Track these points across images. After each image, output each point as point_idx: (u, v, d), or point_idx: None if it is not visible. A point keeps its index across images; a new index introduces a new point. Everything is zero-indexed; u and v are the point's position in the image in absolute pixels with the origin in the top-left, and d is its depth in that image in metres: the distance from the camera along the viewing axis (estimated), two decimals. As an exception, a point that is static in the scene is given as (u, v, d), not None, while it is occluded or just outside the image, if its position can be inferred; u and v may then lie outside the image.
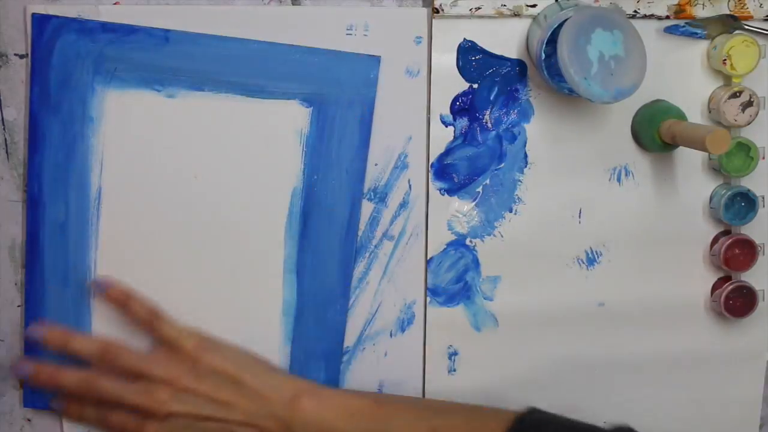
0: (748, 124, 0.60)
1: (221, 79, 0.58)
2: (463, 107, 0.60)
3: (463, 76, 0.60)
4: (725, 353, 0.65)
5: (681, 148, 0.60)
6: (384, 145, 0.60)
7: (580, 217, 0.62)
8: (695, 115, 0.61)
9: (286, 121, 0.58)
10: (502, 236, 0.62)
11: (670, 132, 0.58)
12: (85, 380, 0.57)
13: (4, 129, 0.60)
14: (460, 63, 0.60)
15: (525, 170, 0.61)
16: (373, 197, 0.61)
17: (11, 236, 0.61)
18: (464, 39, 0.59)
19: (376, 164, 0.61)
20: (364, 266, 0.62)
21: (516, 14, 0.59)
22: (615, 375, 0.65)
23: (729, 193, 0.61)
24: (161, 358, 0.58)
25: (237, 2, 0.59)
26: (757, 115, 0.59)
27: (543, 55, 0.56)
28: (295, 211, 0.61)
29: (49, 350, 0.59)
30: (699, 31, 0.60)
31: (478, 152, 0.61)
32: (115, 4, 0.58)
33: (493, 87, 0.60)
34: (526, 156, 0.61)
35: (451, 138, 0.61)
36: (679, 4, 0.59)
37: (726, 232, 0.63)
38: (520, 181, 0.61)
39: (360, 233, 0.61)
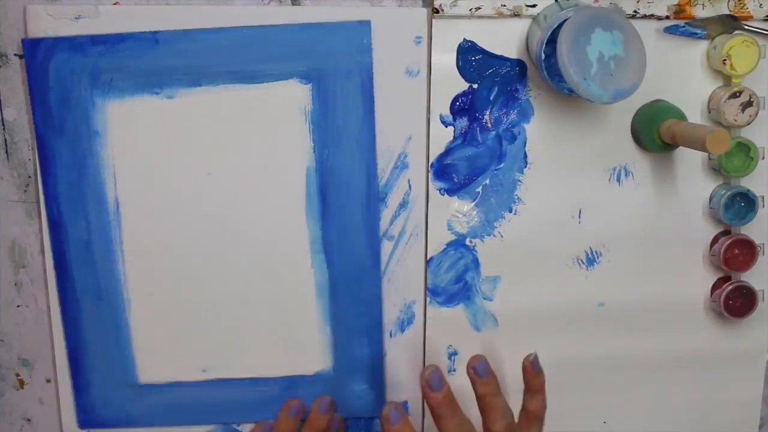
0: (748, 124, 0.60)
1: (217, 71, 0.58)
2: (463, 107, 0.60)
3: (463, 76, 0.60)
4: (725, 353, 0.65)
5: (681, 148, 0.60)
6: (384, 145, 0.60)
7: (580, 217, 0.62)
8: (695, 115, 0.61)
9: (288, 100, 0.58)
10: (502, 236, 0.62)
11: (670, 132, 0.58)
12: None
13: (4, 129, 0.60)
14: (460, 63, 0.60)
15: (525, 170, 0.61)
16: (373, 197, 0.61)
17: (11, 236, 0.61)
18: (464, 39, 0.59)
19: (376, 164, 0.61)
20: (364, 266, 0.62)
21: (516, 14, 0.59)
22: (615, 375, 0.65)
23: (729, 193, 0.61)
24: None
25: (237, 2, 0.59)
26: (756, 115, 0.59)
27: (543, 55, 0.56)
28: (312, 190, 0.60)
29: None
30: (699, 31, 0.60)
31: (477, 152, 0.61)
32: (115, 4, 0.58)
33: (492, 87, 0.60)
34: (525, 156, 0.61)
35: (451, 138, 0.61)
36: (679, 4, 0.59)
37: (726, 232, 0.63)
38: (519, 181, 0.61)
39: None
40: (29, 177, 0.60)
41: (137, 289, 0.61)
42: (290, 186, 0.60)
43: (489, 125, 0.61)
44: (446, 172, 0.61)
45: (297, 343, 0.63)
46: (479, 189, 0.61)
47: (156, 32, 0.58)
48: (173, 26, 0.58)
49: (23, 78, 0.59)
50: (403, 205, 0.61)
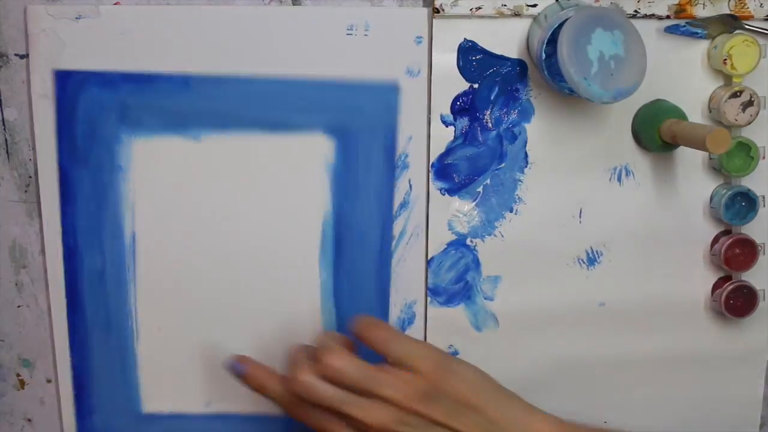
0: (749, 123, 0.60)
1: (244, 118, 0.58)
2: (463, 107, 0.60)
3: (463, 76, 0.60)
4: (725, 353, 0.65)
5: (681, 148, 0.60)
6: (384, 145, 0.61)
7: (580, 217, 0.62)
8: (695, 114, 0.61)
9: (312, 152, 0.58)
10: (502, 236, 0.62)
11: (671, 132, 0.58)
12: (302, 389, 0.52)
13: (4, 129, 0.60)
14: (461, 63, 0.60)
15: (525, 170, 0.61)
16: (373, 197, 0.62)
17: (11, 236, 0.61)
18: (464, 39, 0.59)
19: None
20: (365, 266, 0.62)
21: (516, 14, 0.59)
22: (615, 375, 0.65)
23: (729, 192, 0.61)
24: (392, 377, 0.51)
25: (237, 2, 0.59)
26: (757, 114, 0.59)
27: (543, 55, 0.56)
28: (327, 239, 0.61)
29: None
30: (699, 30, 0.60)
31: (478, 152, 0.61)
32: (115, 4, 0.58)
33: (493, 87, 0.60)
34: (526, 156, 0.61)
35: (452, 138, 0.61)
36: (679, 4, 0.59)
37: (726, 232, 0.63)
38: (520, 180, 0.61)
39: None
40: (30, 177, 0.60)
41: (147, 321, 0.62)
42: (306, 233, 0.61)
43: (490, 125, 0.61)
44: (447, 172, 0.61)
45: None
46: (480, 189, 0.61)
47: (187, 75, 0.58)
48: (173, 26, 0.58)
49: (24, 78, 0.59)
50: (404, 205, 0.61)
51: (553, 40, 0.54)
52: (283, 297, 0.62)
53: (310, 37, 0.59)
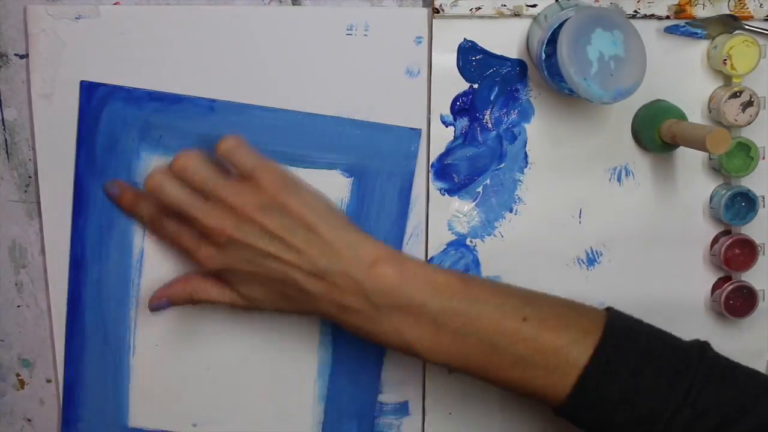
0: (749, 124, 0.60)
1: (264, 149, 0.58)
2: (463, 107, 0.60)
3: (463, 76, 0.60)
4: (726, 353, 0.65)
5: (681, 148, 0.60)
6: (384, 145, 0.61)
7: (580, 217, 0.62)
8: (695, 115, 0.61)
9: (327, 190, 0.58)
10: (502, 236, 0.62)
11: (671, 132, 0.58)
12: (152, 184, 0.54)
13: (4, 129, 0.60)
14: (461, 63, 0.60)
15: (525, 170, 0.61)
16: (373, 197, 0.62)
17: (11, 236, 0.61)
18: (464, 39, 0.59)
19: None
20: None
21: (516, 14, 0.59)
22: (615, 375, 0.65)
23: (729, 193, 0.61)
24: (234, 185, 0.53)
25: (237, 2, 0.59)
26: (757, 115, 0.59)
27: (543, 55, 0.56)
28: None
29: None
30: (699, 31, 0.60)
31: (478, 152, 0.61)
32: (115, 4, 0.58)
33: (493, 87, 0.60)
34: (526, 156, 0.61)
35: (452, 138, 0.61)
36: (679, 4, 0.59)
37: (726, 232, 0.63)
38: (520, 181, 0.61)
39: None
40: (29, 177, 0.60)
41: (145, 337, 0.62)
42: None
43: (489, 125, 0.61)
44: (447, 172, 0.61)
45: (287, 416, 0.63)
46: (480, 189, 0.61)
47: (213, 100, 0.59)
48: (173, 27, 0.58)
49: (23, 78, 0.59)
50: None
51: (553, 41, 0.54)
52: (281, 328, 0.62)
53: (310, 37, 0.59)
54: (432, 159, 0.61)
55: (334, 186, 0.60)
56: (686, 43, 0.60)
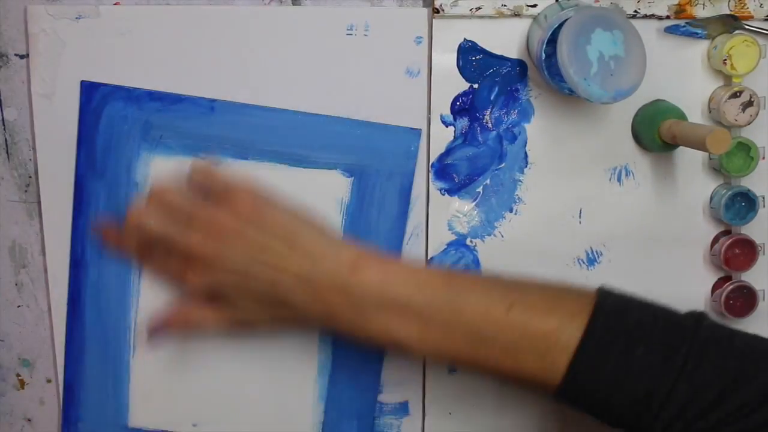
0: (749, 124, 0.60)
1: (265, 149, 0.59)
2: (463, 107, 0.60)
3: (463, 76, 0.60)
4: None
5: (681, 148, 0.60)
6: (384, 145, 0.61)
7: (580, 217, 0.62)
8: (695, 115, 0.61)
9: (327, 189, 0.58)
10: (502, 236, 0.62)
11: (671, 132, 0.58)
12: (132, 221, 0.57)
13: (4, 129, 0.60)
14: (461, 63, 0.60)
15: (525, 170, 0.61)
16: (373, 197, 0.62)
17: (11, 236, 0.61)
18: (464, 39, 0.59)
19: None
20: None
21: (516, 14, 0.59)
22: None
23: (729, 193, 0.61)
24: (211, 206, 0.55)
25: (237, 2, 0.59)
26: (757, 115, 0.59)
27: (543, 55, 0.56)
28: None
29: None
30: (699, 31, 0.60)
31: (478, 152, 0.61)
32: (115, 4, 0.58)
33: (493, 87, 0.60)
34: (526, 156, 0.61)
35: (452, 138, 0.61)
36: (679, 4, 0.59)
37: (726, 232, 0.63)
38: (520, 181, 0.61)
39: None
40: (29, 177, 0.60)
41: (144, 337, 0.61)
42: None
43: (489, 125, 0.61)
44: (447, 172, 0.61)
45: (287, 416, 0.63)
46: (480, 189, 0.61)
47: (213, 100, 0.59)
48: (173, 26, 0.58)
49: (23, 78, 0.59)
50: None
51: (553, 40, 0.54)
52: (282, 333, 0.62)
53: (310, 37, 0.59)
54: (432, 159, 0.61)
55: (334, 186, 0.60)
56: (686, 43, 0.60)
